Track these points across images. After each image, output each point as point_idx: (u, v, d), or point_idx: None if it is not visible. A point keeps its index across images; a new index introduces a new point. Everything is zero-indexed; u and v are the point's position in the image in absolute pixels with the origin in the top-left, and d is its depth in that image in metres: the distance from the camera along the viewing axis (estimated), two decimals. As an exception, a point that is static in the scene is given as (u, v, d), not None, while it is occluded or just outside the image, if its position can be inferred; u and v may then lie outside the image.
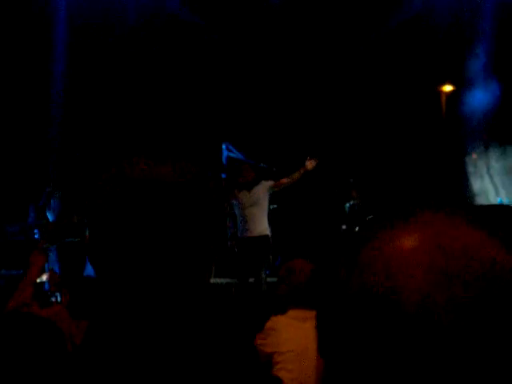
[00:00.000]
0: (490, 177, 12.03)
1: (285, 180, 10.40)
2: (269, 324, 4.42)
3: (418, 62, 12.57)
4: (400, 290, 0.77)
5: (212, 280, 1.48)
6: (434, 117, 13.29)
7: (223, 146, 11.58)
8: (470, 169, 12.46)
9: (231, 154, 11.52)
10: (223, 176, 11.07)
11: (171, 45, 12.51)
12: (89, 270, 10.12)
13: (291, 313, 4.44)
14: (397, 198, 11.59)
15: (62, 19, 12.26)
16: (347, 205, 11.38)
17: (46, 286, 7.72)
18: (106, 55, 12.14)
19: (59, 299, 5.59)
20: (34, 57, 11.84)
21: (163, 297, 1.40)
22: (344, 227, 11.19)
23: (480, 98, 12.52)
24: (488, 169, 12.07)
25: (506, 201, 11.76)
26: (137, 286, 1.40)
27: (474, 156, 12.49)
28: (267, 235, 10.30)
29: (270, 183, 10.38)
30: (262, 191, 10.31)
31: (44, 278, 6.22)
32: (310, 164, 10.24)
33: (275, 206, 11.29)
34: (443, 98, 13.71)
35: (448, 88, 13.72)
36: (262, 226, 10.33)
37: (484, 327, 0.73)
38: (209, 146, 11.55)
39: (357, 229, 0.92)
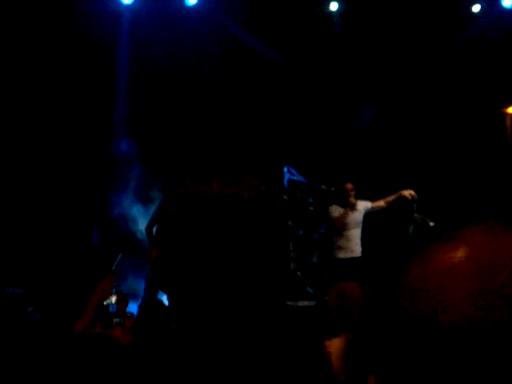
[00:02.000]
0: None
1: (381, 203, 10.33)
2: (326, 348, 4.36)
3: (483, 82, 12.46)
4: (441, 310, 0.76)
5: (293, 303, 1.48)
6: (499, 140, 13.13)
7: (285, 169, 11.62)
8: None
9: (293, 177, 11.54)
10: (310, 200, 11.05)
11: (235, 71, 12.61)
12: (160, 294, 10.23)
13: (345, 335, 4.39)
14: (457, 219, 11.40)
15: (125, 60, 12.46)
16: (411, 228, 11.27)
17: (111, 308, 7.79)
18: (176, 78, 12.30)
19: (123, 322, 5.63)
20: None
21: (233, 314, 1.39)
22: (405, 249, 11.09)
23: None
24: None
25: None
26: (205, 304, 1.39)
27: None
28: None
29: (368, 204, 10.31)
30: (363, 211, 10.27)
31: (113, 300, 6.29)
32: (407, 192, 10.14)
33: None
34: (508, 121, 13.53)
35: (513, 110, 13.55)
36: (360, 247, 10.26)
37: None
38: (271, 169, 11.58)
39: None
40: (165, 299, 8.54)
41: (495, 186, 11.79)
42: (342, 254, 10.14)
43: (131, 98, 12.42)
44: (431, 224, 11.12)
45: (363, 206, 10.23)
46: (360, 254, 10.17)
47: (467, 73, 12.64)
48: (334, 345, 4.36)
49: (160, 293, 9.90)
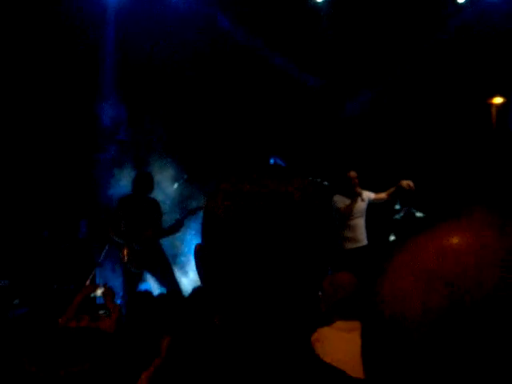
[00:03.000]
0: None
1: (383, 195, 10.28)
2: (315, 336, 4.41)
3: (468, 73, 12.50)
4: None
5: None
6: (484, 129, 13.18)
7: (271, 161, 11.61)
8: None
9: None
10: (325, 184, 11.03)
11: (221, 62, 12.61)
12: (146, 285, 10.22)
13: (337, 324, 4.44)
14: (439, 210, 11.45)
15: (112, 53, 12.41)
16: (396, 216, 11.29)
17: (98, 300, 7.79)
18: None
19: (109, 313, 5.61)
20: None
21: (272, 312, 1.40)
22: (393, 238, 11.10)
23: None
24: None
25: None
26: (246, 298, 1.40)
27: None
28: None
29: (372, 195, 10.28)
30: (367, 201, 10.23)
31: (98, 292, 6.27)
32: (405, 182, 10.11)
33: None
34: (493, 110, 13.58)
35: (498, 100, 13.58)
36: (366, 236, 10.26)
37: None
38: (257, 160, 11.57)
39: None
40: (154, 290, 8.55)
41: (482, 177, 11.84)
42: (349, 245, 10.11)
43: (118, 93, 12.38)
44: (418, 214, 11.15)
45: (367, 195, 10.22)
46: (366, 243, 10.19)
47: (452, 63, 12.66)
48: (325, 333, 4.41)
49: (144, 284, 9.93)
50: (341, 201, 10.07)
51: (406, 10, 12.49)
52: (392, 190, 10.22)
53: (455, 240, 0.79)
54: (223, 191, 1.45)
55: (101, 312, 5.83)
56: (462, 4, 12.78)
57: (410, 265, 0.81)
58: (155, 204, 10.06)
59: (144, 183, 9.90)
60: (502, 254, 0.76)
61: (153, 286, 10.19)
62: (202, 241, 1.48)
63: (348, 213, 10.02)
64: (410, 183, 9.99)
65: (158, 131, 12.26)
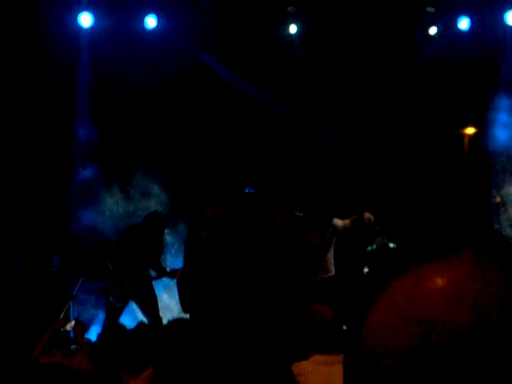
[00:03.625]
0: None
1: (347, 221, 10.18)
2: (294, 370, 4.33)
3: (441, 104, 12.60)
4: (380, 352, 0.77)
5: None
6: (457, 159, 13.28)
7: (246, 191, 11.62)
8: (495, 212, 12.39)
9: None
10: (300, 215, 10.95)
11: (195, 91, 12.63)
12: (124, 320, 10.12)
13: (316, 358, 4.36)
14: (418, 241, 11.49)
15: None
16: (369, 248, 11.30)
17: (71, 334, 7.72)
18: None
19: (80, 348, 5.58)
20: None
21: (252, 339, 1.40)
22: (366, 270, 11.11)
23: (504, 138, 12.48)
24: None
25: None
26: (225, 325, 1.40)
27: (498, 199, 12.42)
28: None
29: (339, 222, 10.17)
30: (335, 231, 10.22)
31: (68, 326, 6.22)
32: (367, 215, 10.10)
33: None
34: (466, 141, 13.70)
35: (470, 130, 13.70)
36: (333, 265, 10.19)
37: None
38: (231, 191, 11.57)
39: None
40: (127, 324, 8.49)
41: (457, 213, 11.89)
42: (321, 274, 10.01)
43: (92, 119, 12.35)
44: (391, 245, 11.18)
45: (335, 224, 10.24)
46: (334, 273, 10.16)
47: (425, 94, 12.76)
48: (304, 367, 4.35)
49: (122, 317, 9.83)
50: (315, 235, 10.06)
51: (379, 42, 12.59)
52: (354, 217, 10.22)
53: (432, 282, 0.80)
54: (207, 218, 1.45)
55: (73, 347, 5.79)
56: (432, 36, 12.90)
57: (391, 304, 0.82)
58: (159, 244, 10.06)
59: (155, 222, 9.88)
60: (476, 298, 0.76)
61: (136, 315, 10.07)
62: (185, 267, 1.47)
63: (323, 244, 10.00)
64: (371, 217, 10.01)
65: (133, 163, 12.22)
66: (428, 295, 0.78)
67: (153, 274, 10.03)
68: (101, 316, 9.95)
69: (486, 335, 0.74)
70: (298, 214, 5.54)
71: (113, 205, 11.41)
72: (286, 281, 1.41)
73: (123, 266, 9.60)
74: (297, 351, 4.56)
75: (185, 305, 1.48)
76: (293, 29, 12.89)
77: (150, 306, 9.75)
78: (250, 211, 1.42)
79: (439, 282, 0.79)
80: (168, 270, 10.25)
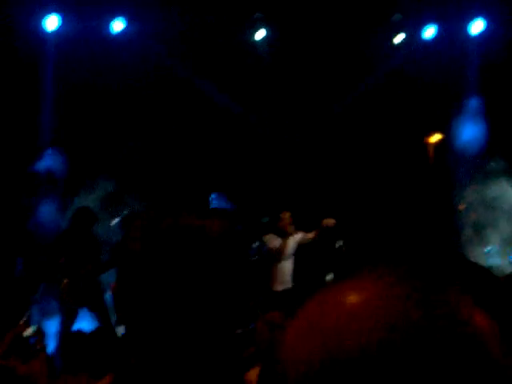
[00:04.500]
0: (478, 226, 12.03)
1: (311, 235, 10.17)
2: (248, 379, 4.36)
3: (405, 113, 12.67)
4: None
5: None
6: (422, 166, 13.35)
7: (213, 196, 11.61)
8: (459, 218, 12.49)
9: (220, 205, 11.52)
10: (239, 228, 10.88)
11: (161, 95, 12.61)
12: (80, 324, 10.05)
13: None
14: (383, 253, 11.57)
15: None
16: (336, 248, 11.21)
17: (31, 340, 7.65)
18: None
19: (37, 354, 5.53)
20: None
21: (186, 350, 1.39)
22: (329, 278, 11.08)
23: (468, 145, 12.56)
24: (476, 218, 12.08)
25: (494, 249, 11.76)
26: (160, 336, 1.38)
27: (463, 206, 12.52)
28: None
29: (299, 235, 10.12)
30: (297, 242, 10.14)
31: (27, 332, 6.16)
32: (325, 221, 10.10)
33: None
34: (431, 148, 13.78)
35: (435, 138, 13.79)
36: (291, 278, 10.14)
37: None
38: (198, 196, 11.56)
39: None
40: (85, 328, 8.45)
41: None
42: (278, 287, 9.97)
43: (58, 122, 12.27)
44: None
45: (299, 237, 10.16)
46: (291, 285, 10.12)
47: (390, 102, 12.83)
48: (252, 377, 4.35)
49: (78, 322, 9.78)
50: (272, 240, 10.00)
51: (344, 50, 12.65)
52: (318, 230, 10.17)
53: (346, 297, 0.80)
54: (139, 227, 1.43)
55: (33, 354, 5.73)
56: (397, 45, 12.99)
57: (307, 318, 0.82)
58: (94, 240, 9.96)
59: (84, 218, 9.82)
60: (383, 315, 0.77)
61: (88, 321, 10.00)
62: (118, 280, 1.44)
63: (277, 252, 9.95)
64: (329, 221, 9.99)
65: (99, 167, 12.16)
66: (340, 310, 0.78)
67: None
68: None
69: (392, 352, 0.74)
70: (264, 219, 5.53)
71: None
72: (219, 295, 1.40)
73: (65, 268, 9.59)
74: (250, 360, 4.56)
75: (120, 317, 1.47)
76: (260, 35, 12.91)
77: (100, 309, 9.71)
78: (183, 222, 1.41)
79: (352, 297, 0.79)
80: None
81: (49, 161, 12.06)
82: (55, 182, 12.04)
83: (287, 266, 10.03)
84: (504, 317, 0.78)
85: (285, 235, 9.94)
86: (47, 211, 11.68)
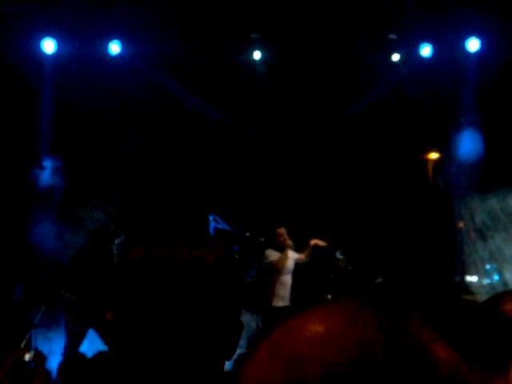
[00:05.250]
0: (478, 243, 12.04)
1: (302, 256, 10.27)
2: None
3: (403, 131, 12.71)
4: None
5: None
6: (421, 185, 13.37)
7: (210, 217, 11.60)
8: (459, 237, 12.50)
9: (218, 226, 11.53)
10: (236, 248, 10.91)
11: (159, 118, 12.64)
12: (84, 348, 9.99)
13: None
14: (384, 267, 11.60)
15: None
16: (332, 276, 11.27)
17: (32, 365, 7.62)
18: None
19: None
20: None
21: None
22: (329, 297, 11.08)
23: (466, 163, 12.59)
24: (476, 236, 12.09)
25: (493, 267, 11.77)
26: (150, 369, 1.37)
27: (462, 224, 12.53)
28: None
29: (296, 255, 10.22)
30: (294, 259, 10.19)
31: (27, 357, 6.12)
32: (313, 241, 10.21)
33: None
34: (429, 166, 13.81)
35: (434, 156, 13.81)
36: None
37: None
38: (196, 217, 11.56)
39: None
40: (88, 353, 8.43)
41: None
42: (278, 303, 9.99)
43: (56, 145, 12.29)
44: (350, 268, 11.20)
45: (296, 254, 10.24)
46: (289, 303, 10.10)
47: (388, 120, 12.87)
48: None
49: (83, 346, 9.72)
50: (273, 255, 10.04)
51: (342, 69, 12.70)
52: (306, 250, 10.27)
53: (310, 325, 0.82)
54: (134, 257, 1.42)
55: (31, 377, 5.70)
56: (396, 62, 13.03)
57: (271, 344, 0.83)
58: (111, 261, 9.87)
59: (103, 236, 9.75)
60: (344, 341, 0.77)
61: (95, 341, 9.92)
62: (112, 307, 1.43)
63: (280, 267, 9.97)
64: (318, 242, 10.12)
65: (96, 188, 12.17)
66: (303, 336, 0.80)
67: None
68: (62, 345, 9.81)
69: (353, 377, 0.75)
70: (260, 239, 5.54)
71: (75, 232, 11.32)
72: (216, 321, 1.39)
73: (79, 289, 9.48)
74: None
75: (109, 343, 1.46)
76: (257, 55, 12.96)
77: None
78: (178, 254, 1.40)
79: (315, 324, 0.81)
80: None
81: (47, 177, 12.08)
82: (53, 197, 12.05)
83: (288, 281, 10.09)
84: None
85: (284, 249, 9.99)
86: (45, 228, 11.67)
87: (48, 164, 12.16)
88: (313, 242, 10.29)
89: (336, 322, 0.80)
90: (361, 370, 0.75)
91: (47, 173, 12.12)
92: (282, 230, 10.16)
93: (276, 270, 9.97)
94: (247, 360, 0.84)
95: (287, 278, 10.08)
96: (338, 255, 11.13)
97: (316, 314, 0.83)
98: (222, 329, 1.41)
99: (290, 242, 10.07)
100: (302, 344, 0.79)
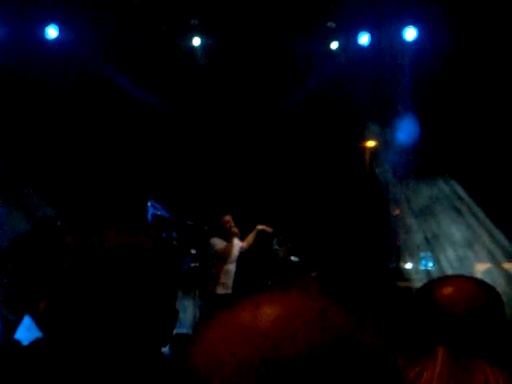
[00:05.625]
0: (412, 231, 12.19)
1: (245, 244, 10.28)
2: None
3: (341, 119, 12.78)
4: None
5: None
6: (358, 173, 13.49)
7: (148, 204, 11.53)
8: (395, 224, 12.64)
9: (156, 212, 11.46)
10: (174, 235, 10.83)
11: (95, 103, 12.51)
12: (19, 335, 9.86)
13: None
14: (321, 256, 11.68)
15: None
16: (270, 264, 11.31)
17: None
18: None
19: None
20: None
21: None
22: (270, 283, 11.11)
23: (402, 151, 12.74)
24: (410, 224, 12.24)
25: (428, 254, 11.95)
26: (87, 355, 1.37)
27: (397, 211, 12.68)
28: None
29: (240, 242, 10.22)
30: (239, 247, 10.17)
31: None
32: (260, 226, 10.27)
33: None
34: (367, 154, 13.94)
35: (371, 143, 13.95)
36: None
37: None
38: (135, 204, 11.49)
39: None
40: (23, 339, 8.30)
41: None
42: (221, 290, 9.99)
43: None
44: (293, 259, 11.28)
45: (239, 242, 10.24)
46: (231, 291, 10.14)
47: (326, 109, 12.94)
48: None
49: (18, 333, 9.59)
50: (219, 243, 10.03)
51: (280, 56, 12.73)
52: (250, 237, 10.31)
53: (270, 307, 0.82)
54: (69, 245, 1.41)
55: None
56: (334, 50, 13.10)
57: (226, 324, 0.83)
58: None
59: (46, 226, 9.61)
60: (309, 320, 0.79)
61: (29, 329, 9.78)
62: (46, 295, 1.43)
63: (227, 254, 9.99)
64: (265, 227, 10.19)
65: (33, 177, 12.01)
66: (274, 316, 0.81)
67: None
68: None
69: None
70: (204, 227, 5.51)
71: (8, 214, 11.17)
72: (151, 309, 1.39)
73: (15, 275, 9.35)
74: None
75: (45, 331, 1.45)
76: (196, 41, 12.91)
77: None
78: (114, 241, 1.39)
79: (268, 308, 0.83)
80: None
81: None
82: None
83: (232, 270, 10.10)
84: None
85: (230, 237, 9.99)
86: None
87: None
88: (260, 227, 10.31)
89: (284, 307, 0.82)
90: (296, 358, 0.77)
91: None
92: (228, 218, 10.14)
93: (222, 258, 9.96)
94: (197, 339, 0.85)
95: (232, 267, 10.09)
96: (275, 244, 11.20)
97: (268, 297, 0.85)
98: (157, 315, 1.41)
99: (235, 230, 10.06)
100: (272, 324, 0.80)
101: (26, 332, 9.38)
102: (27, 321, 9.63)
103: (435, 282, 2.08)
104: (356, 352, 0.79)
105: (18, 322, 9.42)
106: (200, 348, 0.83)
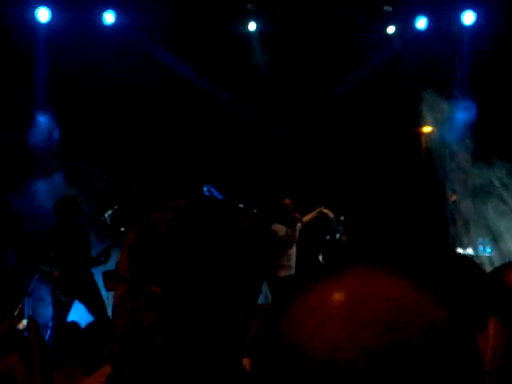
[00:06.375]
0: (468, 219, 12.07)
1: (307, 218, 10.42)
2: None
3: (398, 104, 12.67)
4: (309, 345, 0.79)
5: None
6: (414, 158, 13.37)
7: (204, 188, 11.59)
8: (451, 210, 12.52)
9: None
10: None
11: (153, 88, 12.57)
12: (76, 317, 10.00)
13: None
14: (377, 239, 11.62)
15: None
16: (328, 237, 11.26)
17: (25, 333, 7.63)
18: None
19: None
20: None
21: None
22: (321, 258, 11.08)
23: (459, 137, 12.61)
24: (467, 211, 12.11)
25: (486, 240, 11.81)
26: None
27: (454, 197, 12.54)
28: None
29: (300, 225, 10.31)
30: (299, 229, 10.28)
31: (21, 325, 6.14)
32: (326, 210, 10.27)
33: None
34: (423, 140, 13.80)
35: (427, 129, 13.80)
36: None
37: (395, 376, 0.76)
38: (191, 188, 11.55)
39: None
40: (81, 322, 8.48)
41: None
42: (283, 273, 10.06)
43: (50, 114, 12.26)
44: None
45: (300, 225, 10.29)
46: (294, 271, 10.18)
47: (384, 93, 12.83)
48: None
49: (73, 315, 9.73)
50: (280, 229, 10.06)
51: (337, 41, 12.67)
52: (308, 216, 10.31)
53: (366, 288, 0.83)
54: (162, 220, 1.40)
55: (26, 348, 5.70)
56: (391, 35, 12.99)
57: (322, 311, 0.83)
58: (83, 232, 9.84)
59: (70, 208, 9.66)
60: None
61: (82, 314, 9.93)
62: (136, 272, 1.42)
63: (290, 240, 10.04)
64: (328, 212, 10.19)
65: (92, 157, 12.16)
66: (384, 300, 0.81)
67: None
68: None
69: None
70: (253, 211, 5.57)
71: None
72: (246, 282, 1.40)
73: (57, 262, 9.45)
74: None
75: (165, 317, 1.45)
76: (252, 26, 12.89)
77: (95, 301, 9.60)
78: (213, 212, 1.39)
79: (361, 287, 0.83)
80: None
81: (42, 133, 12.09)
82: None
83: (294, 252, 10.17)
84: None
85: (292, 222, 10.02)
86: (39, 194, 11.64)
87: (42, 120, 12.16)
88: (324, 210, 10.34)
89: (374, 285, 0.82)
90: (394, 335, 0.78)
91: (42, 130, 12.13)
92: (288, 201, 10.19)
93: (286, 244, 10.02)
94: (286, 314, 0.86)
95: (294, 250, 10.17)
96: (334, 225, 11.18)
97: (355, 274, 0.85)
98: (252, 291, 1.42)
99: (298, 215, 10.11)
100: (379, 310, 0.81)
101: (77, 315, 9.55)
102: (78, 305, 9.80)
103: (506, 266, 2.08)
104: (455, 337, 0.80)
105: (69, 304, 9.56)
106: (291, 322, 0.85)
